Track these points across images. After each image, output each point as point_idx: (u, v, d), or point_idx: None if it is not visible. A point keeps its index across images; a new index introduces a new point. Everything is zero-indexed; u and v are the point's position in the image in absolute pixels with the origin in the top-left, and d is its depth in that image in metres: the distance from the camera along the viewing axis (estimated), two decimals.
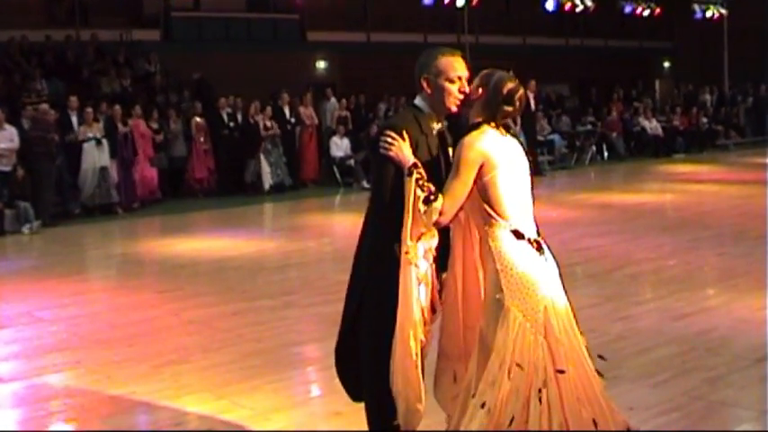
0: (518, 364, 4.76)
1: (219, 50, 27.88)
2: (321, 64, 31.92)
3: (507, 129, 5.12)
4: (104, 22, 26.50)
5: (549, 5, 32.82)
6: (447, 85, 5.07)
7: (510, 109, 5.04)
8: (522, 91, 5.11)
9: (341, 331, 5.37)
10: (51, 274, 13.40)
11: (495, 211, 4.92)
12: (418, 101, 5.19)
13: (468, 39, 30.12)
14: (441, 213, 4.84)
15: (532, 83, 23.63)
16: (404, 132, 4.95)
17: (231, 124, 22.79)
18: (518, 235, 4.92)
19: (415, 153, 4.96)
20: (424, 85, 5.10)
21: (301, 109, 24.17)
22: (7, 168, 18.02)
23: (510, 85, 5.04)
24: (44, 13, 26.63)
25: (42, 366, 8.43)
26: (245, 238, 16.27)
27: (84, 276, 13.89)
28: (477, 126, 5.02)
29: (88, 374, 8.11)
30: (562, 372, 4.79)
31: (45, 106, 19.16)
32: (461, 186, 4.88)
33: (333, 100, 25.92)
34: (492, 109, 5.03)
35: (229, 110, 23.01)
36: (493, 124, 5.01)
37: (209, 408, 7.05)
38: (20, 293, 11.96)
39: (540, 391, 4.74)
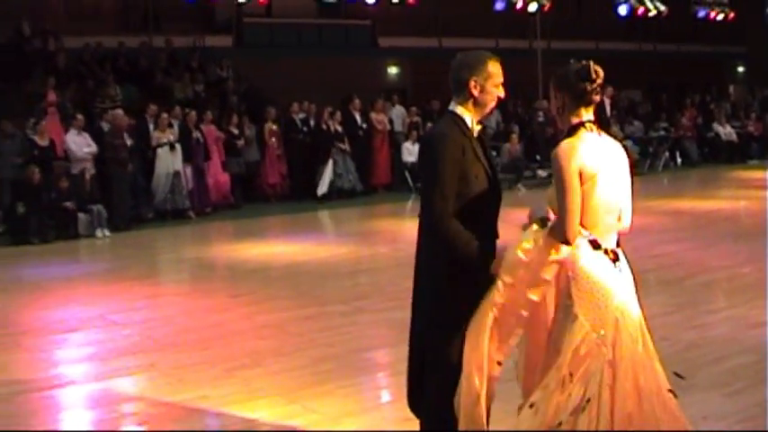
0: (571, 373, 4.72)
1: (291, 56, 27.97)
2: (393, 69, 31.92)
3: (604, 129, 5.05)
4: (177, 28, 26.72)
5: (622, 10, 32.60)
6: (494, 90, 5.11)
7: (590, 85, 4.96)
8: (592, 64, 5.03)
9: (410, 357, 5.37)
10: (124, 277, 13.55)
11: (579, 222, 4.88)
12: (457, 104, 5.16)
13: (540, 44, 29.94)
14: (564, 234, 4.80)
15: (609, 88, 23.39)
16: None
17: (304, 129, 22.86)
18: (595, 245, 4.86)
19: (462, 157, 4.97)
20: (472, 86, 5.08)
21: (372, 115, 24.17)
22: (85, 172, 18.26)
23: (577, 65, 4.98)
24: (118, 19, 26.94)
25: (115, 369, 8.52)
26: (317, 243, 16.33)
27: (157, 280, 14.02)
28: (574, 130, 4.97)
29: (161, 377, 8.18)
30: (611, 386, 4.72)
31: (118, 112, 19.39)
32: (574, 197, 4.80)
33: (399, 106, 25.87)
34: (575, 94, 4.96)
35: (302, 115, 23.09)
36: (588, 126, 4.94)
37: (280, 412, 7.06)
38: (93, 296, 12.10)
39: (588, 401, 4.69)
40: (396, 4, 27.43)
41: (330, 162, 22.54)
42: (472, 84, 5.07)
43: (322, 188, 22.51)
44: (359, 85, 26.38)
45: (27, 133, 18.54)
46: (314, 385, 7.71)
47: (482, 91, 5.08)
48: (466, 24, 30.25)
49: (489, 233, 5.08)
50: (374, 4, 27.72)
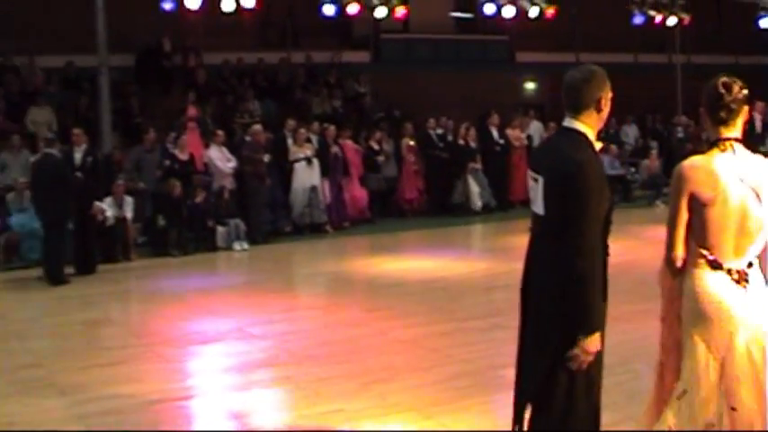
0: (684, 391, 4.71)
1: (428, 71, 27.95)
2: (530, 84, 31.67)
3: (753, 146, 4.92)
4: (315, 43, 26.93)
5: (764, 23, 31.76)
6: (608, 105, 5.05)
7: (723, 100, 4.82)
8: (725, 79, 4.88)
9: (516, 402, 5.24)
10: (262, 290, 13.66)
11: (697, 243, 4.78)
12: (578, 120, 5.02)
13: (679, 58, 29.40)
14: (665, 252, 4.83)
15: (759, 104, 22.79)
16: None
17: (441, 145, 22.80)
18: (715, 265, 4.75)
19: (602, 181, 4.89)
20: (602, 103, 5.00)
21: (509, 130, 23.99)
22: (225, 186, 18.52)
23: (712, 82, 4.87)
24: (257, 36, 27.23)
25: (252, 381, 8.56)
26: (453, 259, 16.22)
27: (294, 293, 14.10)
28: (709, 148, 4.83)
29: (297, 390, 8.18)
30: (734, 409, 4.65)
31: (257, 127, 19.62)
32: (677, 217, 4.80)
33: (536, 122, 25.65)
34: (709, 112, 4.85)
35: (439, 130, 23.02)
36: (723, 145, 4.80)
37: (415, 428, 7.01)
38: (231, 309, 12.21)
39: (712, 425, 4.63)
40: (533, 18, 27.16)
41: (469, 177, 22.43)
42: (603, 101, 5.00)
43: (476, 204, 22.42)
44: (496, 101, 26.21)
45: (167, 147, 18.85)
46: (449, 401, 7.63)
47: (605, 107, 5.02)
48: (603, 39, 29.82)
49: (605, 250, 4.97)
50: (511, 18, 27.50)
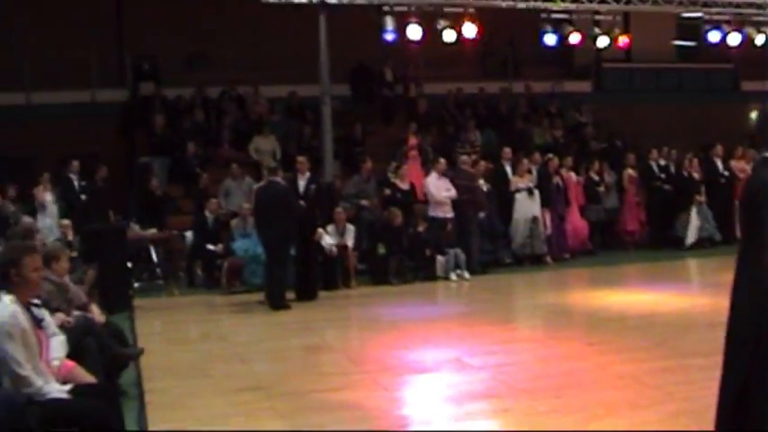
0: None
1: (650, 101, 27.54)
2: (756, 114, 30.75)
3: None
4: (536, 73, 26.90)
5: None
6: None
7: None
8: None
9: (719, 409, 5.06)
10: (480, 320, 13.67)
11: None
12: None
13: None
14: None
15: None
16: None
17: (663, 176, 22.34)
18: None
19: None
20: None
21: (733, 162, 23.28)
22: (445, 216, 18.60)
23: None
24: (478, 66, 27.38)
25: (469, 413, 8.56)
26: (675, 293, 15.84)
27: (513, 325, 14.04)
28: None
29: (515, 423, 8.13)
30: None
31: (464, 158, 19.66)
32: None
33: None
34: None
35: (662, 161, 22.56)
36: None
37: None
38: (448, 338, 12.26)
39: None
40: (759, 46, 26.33)
41: (693, 210, 21.89)
42: None
43: (689, 238, 21.88)
44: (720, 131, 25.56)
45: (388, 177, 19.10)
46: None
47: None
48: None
49: None
50: (737, 46, 26.75)
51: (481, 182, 19.34)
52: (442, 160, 19.44)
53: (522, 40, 26.07)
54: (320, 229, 16.69)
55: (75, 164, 19.68)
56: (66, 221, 17.08)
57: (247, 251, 16.93)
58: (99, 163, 19.91)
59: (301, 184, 16.60)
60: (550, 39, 22.99)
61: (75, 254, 14.83)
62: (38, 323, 6.72)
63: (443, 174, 19.01)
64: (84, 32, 23.03)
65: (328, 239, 17.04)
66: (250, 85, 23.47)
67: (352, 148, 22.16)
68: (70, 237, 16.44)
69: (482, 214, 19.03)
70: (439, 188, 18.78)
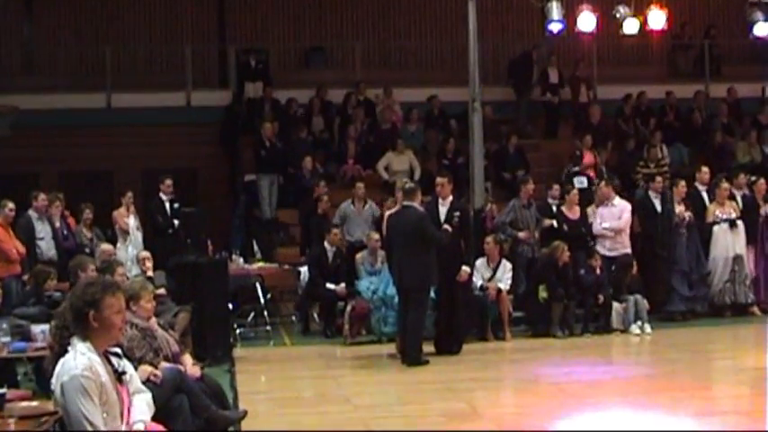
0: None
1: None
2: None
3: None
4: (742, 73, 26.34)
5: None
6: None
7: None
8: None
9: None
10: (667, 386, 13.46)
11: None
12: None
13: None
14: None
15: None
16: None
17: None
18: None
19: None
20: None
21: None
22: (614, 253, 18.40)
23: None
24: (666, 64, 27.05)
25: None
26: None
27: (709, 392, 13.76)
28: None
29: None
30: None
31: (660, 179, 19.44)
32: None
33: None
34: None
35: None
36: None
37: None
38: (624, 406, 12.10)
39: None
40: None
41: None
42: None
43: None
44: None
45: (549, 202, 18.88)
46: None
47: None
48: None
49: None
50: None
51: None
52: (616, 182, 19.26)
53: (723, 31, 25.75)
54: (466, 267, 16.52)
55: (168, 182, 19.63)
56: (146, 253, 17.02)
57: (376, 292, 16.91)
58: (195, 180, 20.08)
59: (443, 210, 16.40)
60: (762, 29, 22.36)
61: (161, 290, 14.95)
62: (118, 377, 6.76)
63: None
64: (178, 20, 23.42)
65: (477, 279, 16.96)
66: (380, 88, 23.52)
67: (504, 165, 22.06)
68: (150, 272, 16.32)
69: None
70: (609, 218, 18.48)
